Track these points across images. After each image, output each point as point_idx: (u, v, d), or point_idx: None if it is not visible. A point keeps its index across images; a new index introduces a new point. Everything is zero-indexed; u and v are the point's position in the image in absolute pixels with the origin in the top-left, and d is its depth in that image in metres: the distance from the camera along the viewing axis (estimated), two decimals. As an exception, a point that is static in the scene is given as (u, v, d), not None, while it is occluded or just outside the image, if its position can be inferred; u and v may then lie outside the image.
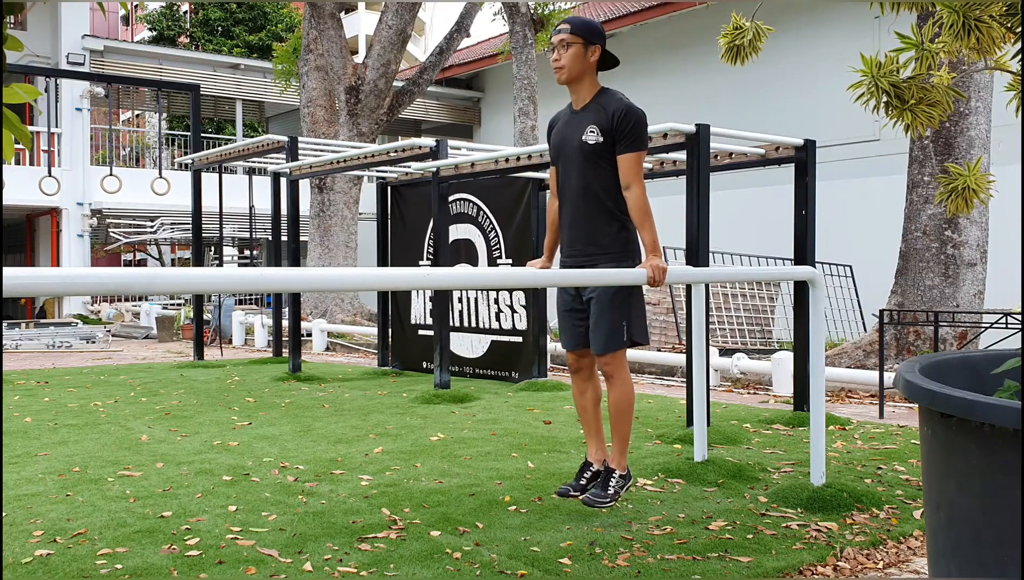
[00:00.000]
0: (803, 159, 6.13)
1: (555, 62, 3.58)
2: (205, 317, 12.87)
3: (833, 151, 12.93)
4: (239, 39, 27.51)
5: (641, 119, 3.53)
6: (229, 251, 20.12)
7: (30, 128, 16.28)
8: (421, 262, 9.10)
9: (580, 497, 3.73)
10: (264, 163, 10.89)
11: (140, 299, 17.87)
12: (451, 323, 8.63)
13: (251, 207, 11.96)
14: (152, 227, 17.96)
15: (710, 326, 7.27)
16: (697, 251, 5.60)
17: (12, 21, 18.29)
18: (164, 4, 29.24)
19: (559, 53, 3.56)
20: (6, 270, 1.88)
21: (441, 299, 7.82)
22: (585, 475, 3.77)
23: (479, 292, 8.66)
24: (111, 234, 18.24)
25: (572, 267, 3.64)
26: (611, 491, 3.60)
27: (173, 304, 18.15)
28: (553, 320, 10.41)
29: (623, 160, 3.50)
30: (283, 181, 9.93)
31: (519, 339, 8.27)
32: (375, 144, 13.67)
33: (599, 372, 3.71)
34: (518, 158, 7.08)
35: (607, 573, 3.01)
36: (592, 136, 3.52)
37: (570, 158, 3.61)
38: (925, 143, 8.04)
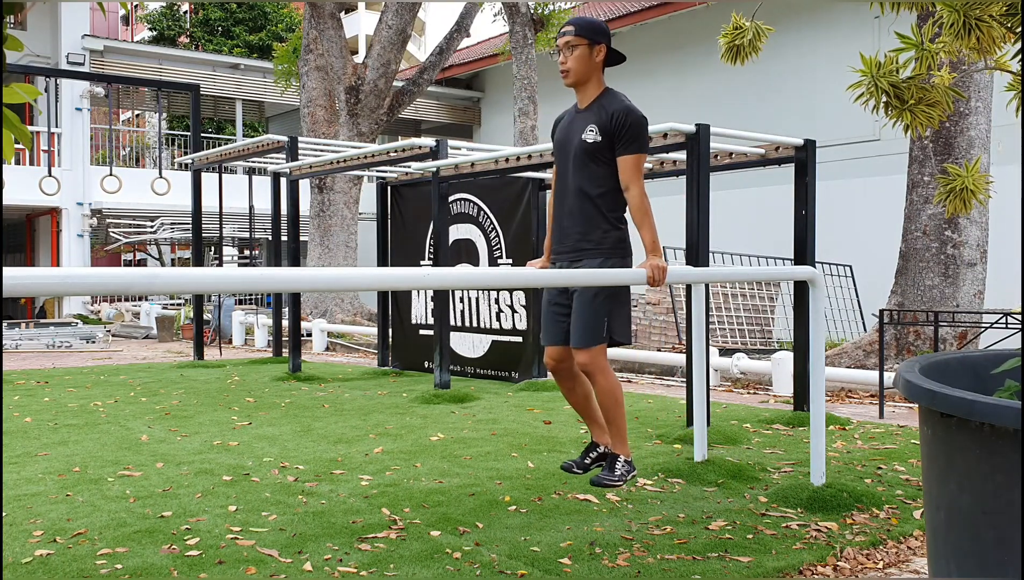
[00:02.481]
0: (803, 159, 6.13)
1: (561, 65, 3.58)
2: (205, 317, 12.87)
3: (833, 151, 12.93)
4: (239, 39, 27.52)
5: (641, 121, 3.53)
6: (229, 251, 20.12)
7: (30, 128, 16.28)
8: (422, 262, 9.11)
9: (581, 474, 3.75)
10: (264, 163, 10.89)
11: (140, 299, 17.87)
12: (451, 323, 8.63)
13: (251, 207, 11.95)
14: (152, 227, 17.96)
15: (710, 326, 7.27)
16: (697, 251, 5.60)
17: (12, 21, 18.29)
18: (164, 4, 29.24)
19: (565, 56, 3.56)
20: (6, 270, 1.88)
21: (441, 299, 7.82)
22: (591, 455, 3.76)
23: (480, 292, 8.67)
24: (111, 234, 18.24)
25: (562, 262, 3.64)
26: (618, 473, 3.60)
27: (173, 304, 18.15)
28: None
29: (623, 161, 3.51)
30: (283, 181, 9.93)
31: (519, 339, 8.27)
32: (375, 144, 13.67)
33: (580, 372, 3.69)
34: (518, 158, 7.08)
35: (607, 573, 3.01)
36: (591, 135, 3.53)
37: (569, 156, 3.63)
38: (925, 143, 8.04)
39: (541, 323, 3.80)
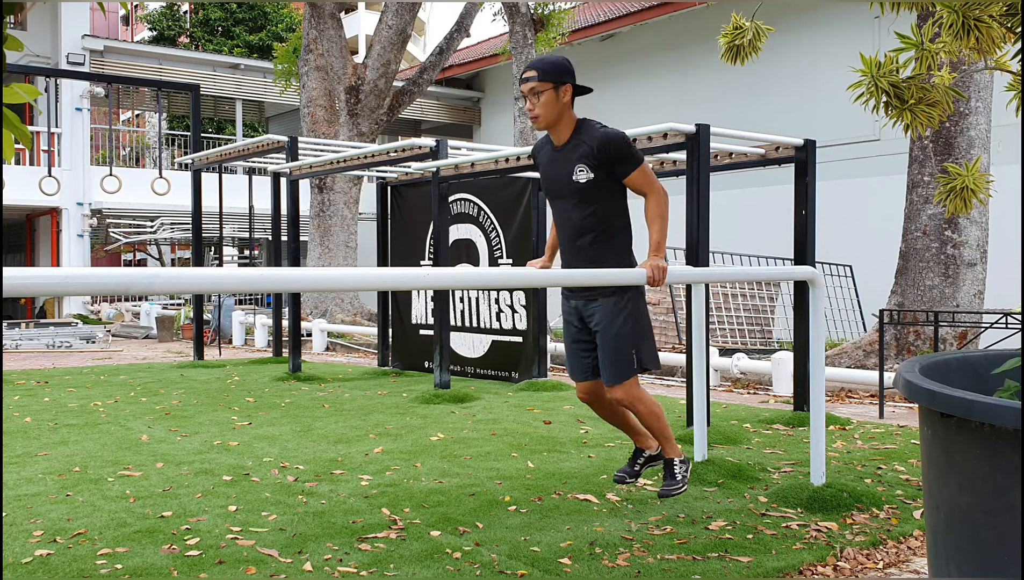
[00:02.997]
0: (803, 159, 6.13)
1: (530, 111, 3.53)
2: (205, 317, 12.87)
3: (833, 151, 12.93)
4: (239, 39, 27.52)
5: (622, 138, 3.50)
6: (229, 251, 20.12)
7: (30, 128, 16.28)
8: (422, 262, 9.11)
9: (635, 482, 3.88)
10: (264, 163, 10.89)
11: (140, 299, 17.87)
12: (452, 323, 8.63)
13: (251, 207, 11.95)
14: (152, 227, 17.96)
15: (710, 326, 7.27)
16: (697, 251, 5.60)
17: (12, 21, 18.29)
18: (164, 4, 29.24)
19: (531, 102, 3.50)
20: (6, 270, 1.88)
21: (441, 299, 7.82)
22: (638, 462, 3.85)
23: (480, 292, 8.67)
24: (111, 234, 18.24)
25: (578, 300, 3.64)
26: (679, 477, 3.68)
27: (173, 304, 18.14)
28: (553, 320, 10.41)
29: (631, 181, 3.50)
30: (283, 181, 9.94)
31: (519, 339, 8.27)
32: (375, 144, 13.67)
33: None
34: (518, 158, 7.09)
35: (607, 573, 3.01)
36: (583, 175, 3.49)
37: (563, 196, 3.59)
38: (925, 143, 8.04)
39: (567, 361, 3.82)
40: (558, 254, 3.82)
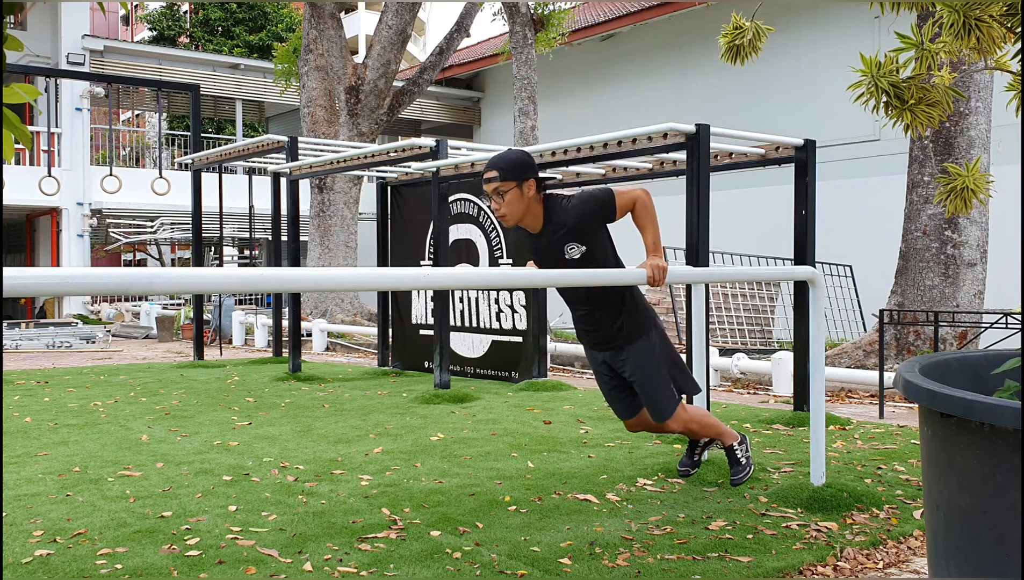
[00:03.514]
0: (803, 159, 6.13)
1: (496, 210, 3.55)
2: (205, 317, 12.87)
3: (833, 151, 12.93)
4: (239, 39, 27.52)
5: (588, 199, 3.54)
6: (229, 251, 20.12)
7: (30, 128, 16.28)
8: (422, 262, 9.11)
9: (696, 471, 4.11)
10: (264, 163, 10.89)
11: (140, 299, 17.86)
12: (451, 323, 8.63)
13: (251, 207, 11.96)
14: (152, 227, 17.96)
15: (710, 326, 7.27)
16: (697, 251, 5.59)
17: (12, 21, 18.29)
18: (164, 4, 29.24)
19: (496, 202, 3.52)
20: (6, 270, 1.88)
21: (441, 299, 7.82)
22: (696, 451, 4.07)
23: (480, 292, 8.67)
24: (111, 234, 18.24)
25: (607, 353, 3.75)
26: (742, 461, 3.91)
27: (173, 304, 18.14)
28: (553, 320, 10.42)
29: (620, 213, 3.53)
30: (283, 181, 9.94)
31: (519, 339, 8.27)
32: (375, 144, 13.67)
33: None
34: (518, 158, 7.07)
35: (607, 573, 3.01)
36: (575, 251, 3.53)
37: (561, 267, 3.63)
38: (925, 143, 8.04)
39: (610, 405, 3.97)
40: None
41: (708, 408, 5.23)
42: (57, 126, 17.59)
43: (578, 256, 3.51)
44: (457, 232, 8.75)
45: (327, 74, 14.81)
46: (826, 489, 3.87)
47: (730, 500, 3.91)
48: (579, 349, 9.03)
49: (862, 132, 13.04)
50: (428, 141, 7.77)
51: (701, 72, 15.59)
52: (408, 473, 4.44)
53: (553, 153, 6.62)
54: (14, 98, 2.15)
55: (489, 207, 3.65)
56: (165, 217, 17.76)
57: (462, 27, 15.56)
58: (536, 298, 8.12)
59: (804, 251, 6.12)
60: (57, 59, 18.15)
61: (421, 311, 9.25)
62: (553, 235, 3.55)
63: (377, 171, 9.63)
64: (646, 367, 3.60)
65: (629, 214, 3.57)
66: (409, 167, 8.88)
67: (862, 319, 12.26)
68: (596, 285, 3.52)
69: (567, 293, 3.73)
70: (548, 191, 3.62)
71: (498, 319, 8.48)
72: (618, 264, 3.67)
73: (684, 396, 3.78)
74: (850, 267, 12.46)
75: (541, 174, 3.63)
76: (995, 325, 6.13)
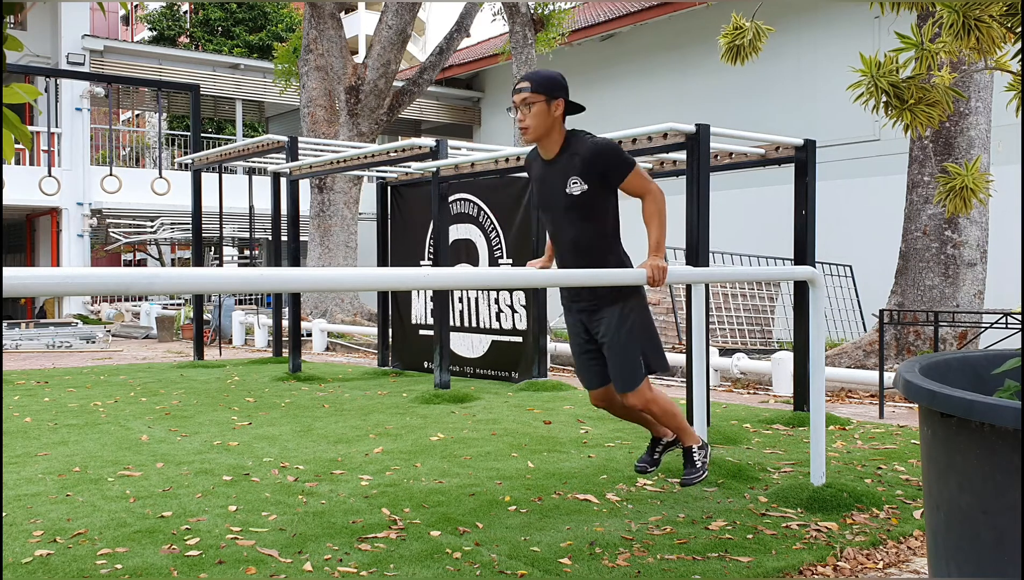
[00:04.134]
0: (803, 159, 6.13)
1: (520, 122, 3.50)
2: (205, 317, 12.87)
3: (833, 151, 12.93)
4: (239, 39, 27.51)
5: (612, 147, 3.49)
6: (229, 251, 20.11)
7: (30, 128, 16.28)
8: (422, 262, 9.10)
9: (656, 469, 3.95)
10: (264, 163, 10.89)
11: (140, 299, 17.86)
12: (451, 323, 8.63)
13: (251, 207, 11.95)
14: (152, 227, 17.96)
15: (710, 326, 7.27)
16: (697, 251, 5.60)
17: (12, 21, 18.29)
18: (164, 4, 29.24)
19: (522, 113, 3.48)
20: (6, 270, 1.88)
21: (441, 299, 7.82)
22: (656, 450, 3.91)
23: (479, 292, 8.67)
24: (111, 234, 18.24)
25: (583, 313, 3.66)
26: (698, 464, 3.72)
27: (173, 304, 18.14)
28: (553, 320, 10.41)
29: (627, 185, 3.48)
30: (283, 181, 9.93)
31: (519, 339, 8.27)
32: (375, 144, 13.67)
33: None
34: (518, 158, 7.08)
35: (607, 573, 3.01)
36: (576, 187, 3.48)
37: (557, 210, 3.58)
38: (925, 143, 8.04)
39: (577, 370, 3.85)
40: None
41: (708, 408, 5.23)
42: (57, 126, 17.59)
43: (578, 193, 3.46)
44: (457, 232, 8.75)
45: (327, 74, 14.81)
46: (826, 489, 3.87)
47: (730, 500, 3.91)
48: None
49: (862, 132, 13.04)
50: (428, 141, 7.77)
51: (701, 72, 15.58)
52: (408, 473, 4.44)
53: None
54: (14, 98, 2.15)
55: (515, 120, 3.60)
56: (165, 217, 17.76)
57: (462, 27, 15.55)
58: (536, 298, 8.12)
59: (804, 251, 6.12)
60: (57, 59, 18.15)
61: (421, 311, 9.25)
62: (564, 165, 3.51)
63: (377, 171, 9.63)
64: (619, 333, 3.53)
65: (640, 207, 3.53)
66: (409, 167, 8.88)
67: (862, 319, 12.26)
68: (596, 285, 3.50)
69: (554, 228, 3.64)
70: (576, 129, 3.59)
71: (498, 319, 8.48)
72: (616, 237, 3.60)
73: (648, 378, 3.70)
74: (850, 267, 12.46)
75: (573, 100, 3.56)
76: (995, 325, 6.13)
